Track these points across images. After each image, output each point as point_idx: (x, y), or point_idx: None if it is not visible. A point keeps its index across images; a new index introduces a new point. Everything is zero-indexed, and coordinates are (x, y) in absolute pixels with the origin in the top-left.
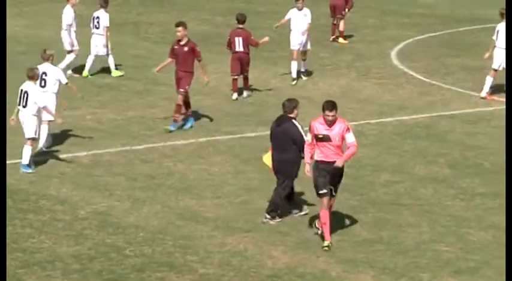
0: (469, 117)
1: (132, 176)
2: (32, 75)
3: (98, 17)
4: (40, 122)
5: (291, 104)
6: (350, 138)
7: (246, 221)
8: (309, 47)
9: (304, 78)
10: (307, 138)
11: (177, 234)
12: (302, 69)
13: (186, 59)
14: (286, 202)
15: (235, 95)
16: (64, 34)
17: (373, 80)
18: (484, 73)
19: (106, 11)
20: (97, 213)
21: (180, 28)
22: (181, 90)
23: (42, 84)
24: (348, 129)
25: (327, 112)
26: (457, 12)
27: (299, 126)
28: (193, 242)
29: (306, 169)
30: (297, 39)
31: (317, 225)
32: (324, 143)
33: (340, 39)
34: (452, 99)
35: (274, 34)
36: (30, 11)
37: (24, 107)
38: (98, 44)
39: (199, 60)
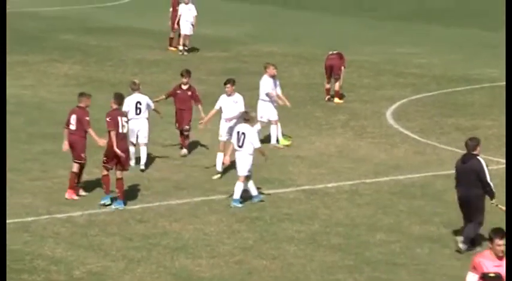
0: None
1: (127, 236)
2: (249, 119)
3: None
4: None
5: (473, 143)
6: None
7: None
8: None
9: (215, 177)
10: (470, 279)
11: None
12: (218, 169)
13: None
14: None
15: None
16: (260, 104)
17: (368, 139)
18: (478, 133)
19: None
20: (92, 273)
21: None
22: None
23: (138, 112)
24: None
25: (498, 241)
26: (451, 73)
27: (483, 163)
28: None
29: None
30: (226, 128)
31: None
32: None
33: (336, 99)
34: (448, 159)
35: None
36: (25, 71)
37: (240, 147)
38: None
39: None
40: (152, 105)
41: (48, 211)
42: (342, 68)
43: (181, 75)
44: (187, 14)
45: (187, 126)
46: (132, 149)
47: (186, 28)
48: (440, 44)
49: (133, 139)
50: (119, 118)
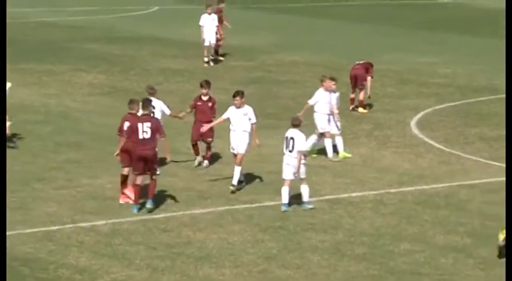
0: (488, 186)
1: (151, 245)
2: (298, 124)
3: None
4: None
5: None
6: None
7: None
8: (244, 150)
9: (232, 188)
10: None
11: None
12: (234, 182)
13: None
14: None
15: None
16: (317, 117)
17: (392, 149)
18: (502, 143)
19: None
20: None
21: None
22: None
23: (152, 116)
24: None
25: None
26: (475, 83)
27: None
28: None
29: None
30: (236, 141)
31: None
32: None
33: (360, 109)
34: (472, 169)
35: (292, 102)
36: (50, 81)
37: (290, 151)
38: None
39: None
40: (168, 112)
41: (72, 219)
42: (369, 78)
43: (201, 86)
44: (211, 24)
45: (210, 139)
46: None
47: (211, 39)
48: (464, 53)
49: None
50: (139, 124)
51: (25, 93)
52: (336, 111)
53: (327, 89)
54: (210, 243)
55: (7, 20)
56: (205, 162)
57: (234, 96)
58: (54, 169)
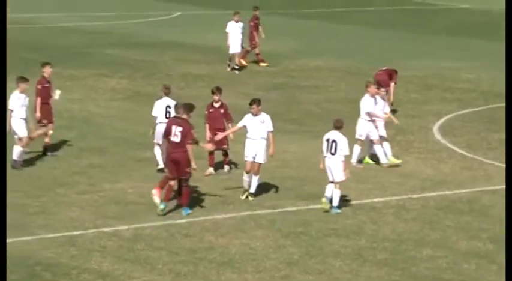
0: None
1: (174, 250)
2: (340, 126)
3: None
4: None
5: None
6: None
7: None
8: (263, 160)
9: (251, 198)
10: None
11: None
12: (252, 190)
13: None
14: None
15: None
16: (360, 123)
17: (415, 154)
18: None
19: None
20: None
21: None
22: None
23: (167, 116)
24: None
25: None
26: (498, 88)
27: None
28: None
29: None
30: (252, 149)
31: None
32: None
33: None
34: (495, 174)
35: (315, 108)
36: (73, 85)
37: (332, 154)
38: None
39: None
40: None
41: (94, 224)
42: (392, 84)
43: (212, 92)
44: (237, 32)
45: (225, 146)
46: (158, 150)
47: (237, 46)
48: (488, 58)
49: (160, 141)
50: (172, 127)
51: None
52: (381, 116)
53: (372, 95)
54: (232, 248)
55: (29, 25)
56: (226, 167)
57: (250, 104)
58: (77, 174)
